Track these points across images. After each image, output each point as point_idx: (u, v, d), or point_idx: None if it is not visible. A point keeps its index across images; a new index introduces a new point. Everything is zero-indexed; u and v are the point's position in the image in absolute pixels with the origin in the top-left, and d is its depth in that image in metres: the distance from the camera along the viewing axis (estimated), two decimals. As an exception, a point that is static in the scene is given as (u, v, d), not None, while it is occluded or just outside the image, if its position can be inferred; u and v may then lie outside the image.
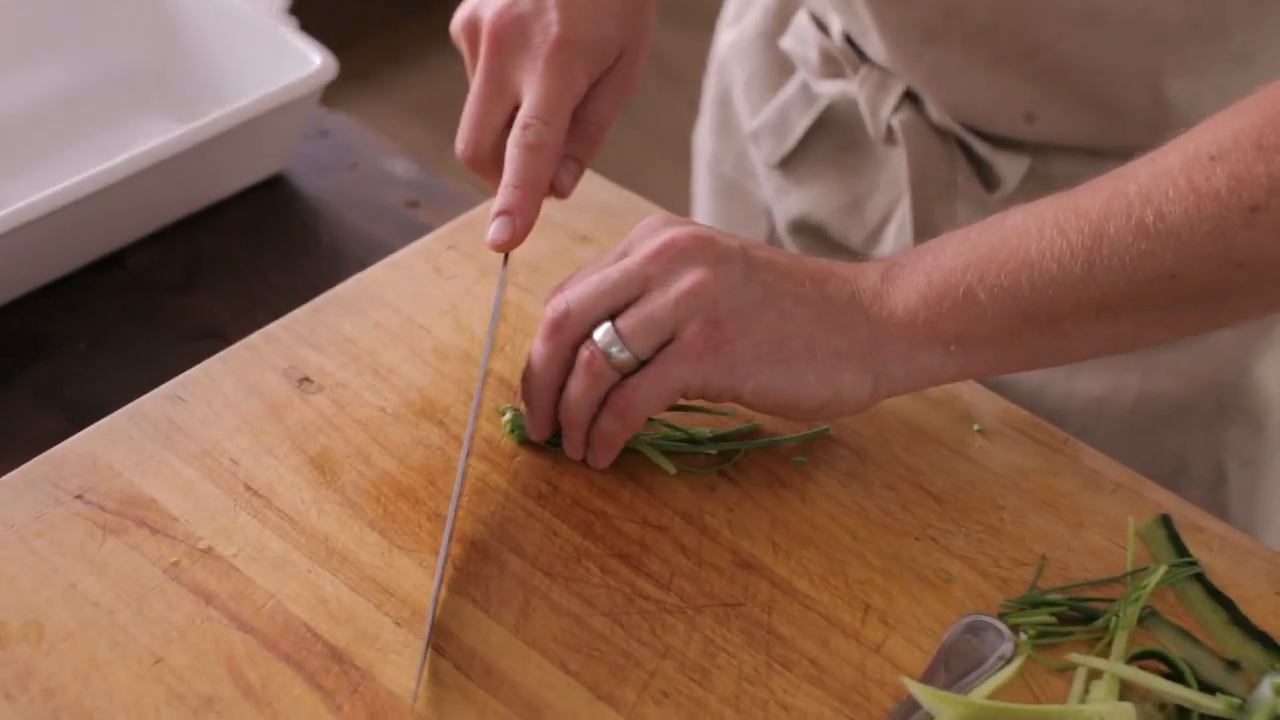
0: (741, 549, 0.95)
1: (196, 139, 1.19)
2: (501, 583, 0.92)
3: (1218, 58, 1.09)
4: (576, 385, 0.94)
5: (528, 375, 0.97)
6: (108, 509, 0.95)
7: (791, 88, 1.32)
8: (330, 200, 1.29)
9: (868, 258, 1.28)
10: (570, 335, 0.94)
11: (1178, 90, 1.10)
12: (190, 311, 1.19)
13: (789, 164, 1.35)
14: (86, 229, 1.19)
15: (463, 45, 1.06)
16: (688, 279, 0.92)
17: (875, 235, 1.30)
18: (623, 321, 0.92)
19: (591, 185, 1.19)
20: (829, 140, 1.32)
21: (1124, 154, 1.14)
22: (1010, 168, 1.19)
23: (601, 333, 0.93)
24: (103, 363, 1.15)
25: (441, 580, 0.91)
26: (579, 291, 0.94)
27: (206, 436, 0.99)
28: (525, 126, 0.99)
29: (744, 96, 1.38)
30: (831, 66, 1.26)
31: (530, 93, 0.99)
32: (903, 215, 1.26)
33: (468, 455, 0.97)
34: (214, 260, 1.24)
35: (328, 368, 1.04)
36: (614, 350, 0.92)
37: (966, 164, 1.21)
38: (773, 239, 1.41)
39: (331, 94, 1.29)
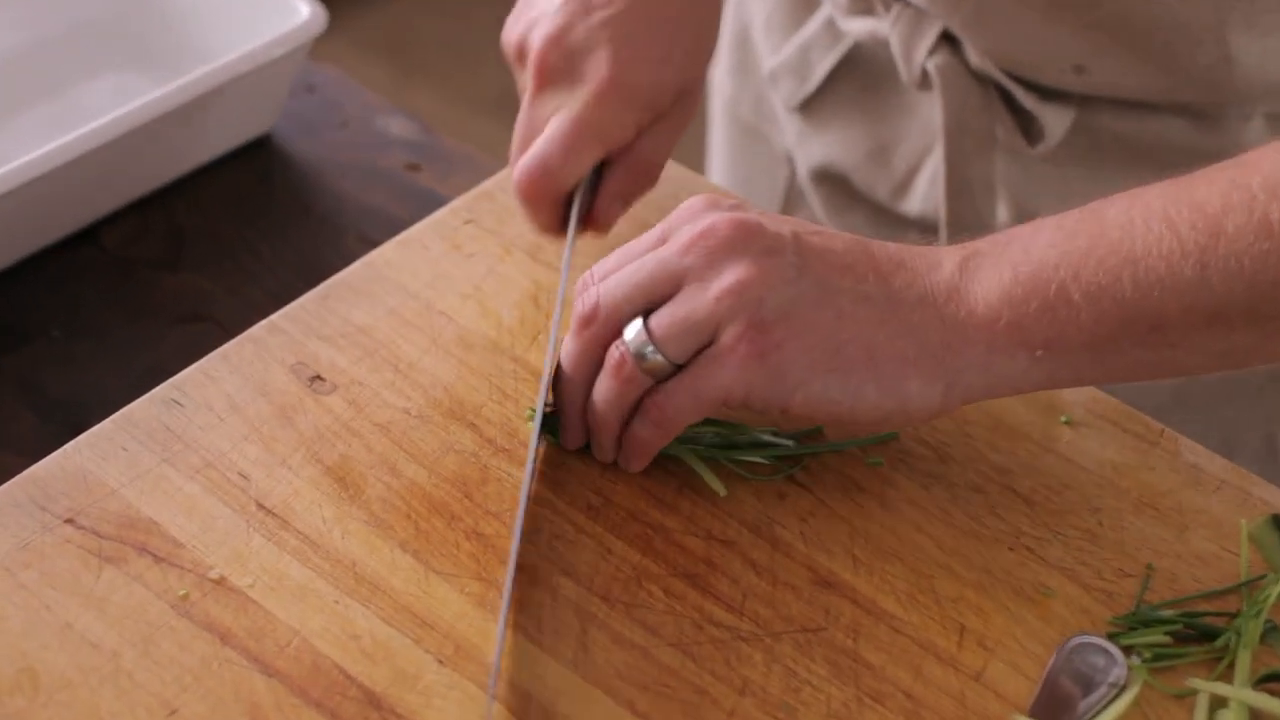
0: (819, 564, 0.86)
1: (177, 100, 1.09)
2: (555, 611, 0.82)
3: None
4: (604, 388, 0.85)
5: (559, 374, 0.87)
6: (103, 534, 0.84)
7: (815, 24, 1.22)
8: (321, 164, 1.18)
9: (895, 211, 1.20)
10: (600, 331, 0.85)
11: (1243, 47, 1.01)
12: (176, 292, 1.09)
13: (810, 107, 1.25)
14: (56, 203, 1.09)
15: (513, 63, 0.98)
16: (730, 274, 0.82)
17: (903, 187, 1.21)
18: (656, 321, 0.83)
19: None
20: (854, 83, 1.22)
21: (1179, 110, 1.06)
22: (1055, 119, 1.10)
23: (633, 332, 0.83)
24: (80, 352, 1.05)
25: (506, 624, 0.81)
26: (610, 283, 0.85)
27: (210, 446, 0.89)
28: (525, 169, 0.93)
29: (764, 34, 1.28)
30: (861, 3, 1.16)
31: (555, 123, 0.91)
32: (933, 167, 1.17)
33: (533, 475, 0.87)
34: (198, 233, 1.13)
35: (340, 363, 0.94)
36: (647, 352, 0.83)
37: (1007, 114, 1.12)
38: (793, 189, 1.32)
39: (315, 44, 1.18)
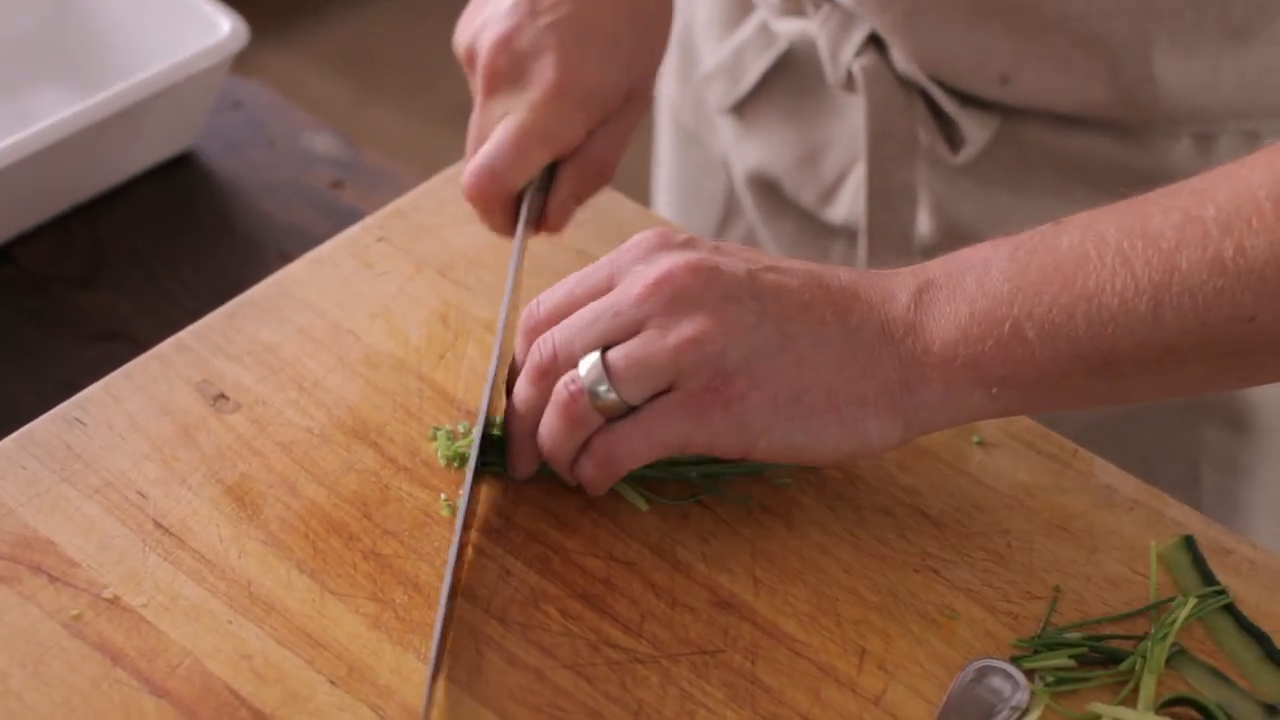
0: (719, 586, 0.84)
1: (96, 115, 1.09)
2: (449, 632, 0.81)
3: (1213, 33, 0.99)
4: (552, 426, 0.83)
5: (510, 416, 0.86)
6: (-2, 553, 0.83)
7: (749, 26, 1.22)
8: (245, 182, 1.17)
9: (820, 218, 1.19)
10: (557, 380, 0.83)
11: (1167, 67, 1.01)
12: (92, 310, 1.08)
13: (743, 110, 1.25)
14: (-29, 219, 1.07)
15: (464, 67, 0.98)
16: (689, 325, 0.80)
17: (830, 194, 1.20)
18: (614, 356, 0.81)
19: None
20: (786, 87, 1.22)
21: (1105, 127, 1.06)
22: (978, 128, 1.09)
23: (588, 366, 0.81)
24: (-5, 370, 1.03)
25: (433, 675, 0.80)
26: (565, 334, 0.83)
27: (110, 465, 0.88)
28: (474, 172, 0.93)
29: (704, 35, 1.28)
30: (792, 4, 1.15)
31: (503, 127, 0.90)
32: (860, 175, 1.16)
33: (470, 496, 0.85)
34: (118, 251, 1.12)
35: (245, 382, 0.92)
36: (600, 390, 0.81)
37: (930, 119, 1.11)
38: (731, 196, 1.31)
39: (269, 60, 1.17)
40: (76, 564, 0.83)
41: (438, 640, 0.79)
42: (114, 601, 0.82)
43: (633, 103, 0.97)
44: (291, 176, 1.18)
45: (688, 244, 0.84)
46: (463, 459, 0.89)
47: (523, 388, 0.84)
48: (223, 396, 0.92)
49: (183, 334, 0.95)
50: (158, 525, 0.85)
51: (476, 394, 0.93)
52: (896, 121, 1.11)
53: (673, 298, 0.81)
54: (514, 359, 0.87)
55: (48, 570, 0.83)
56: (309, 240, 1.11)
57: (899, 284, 0.83)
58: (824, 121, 1.20)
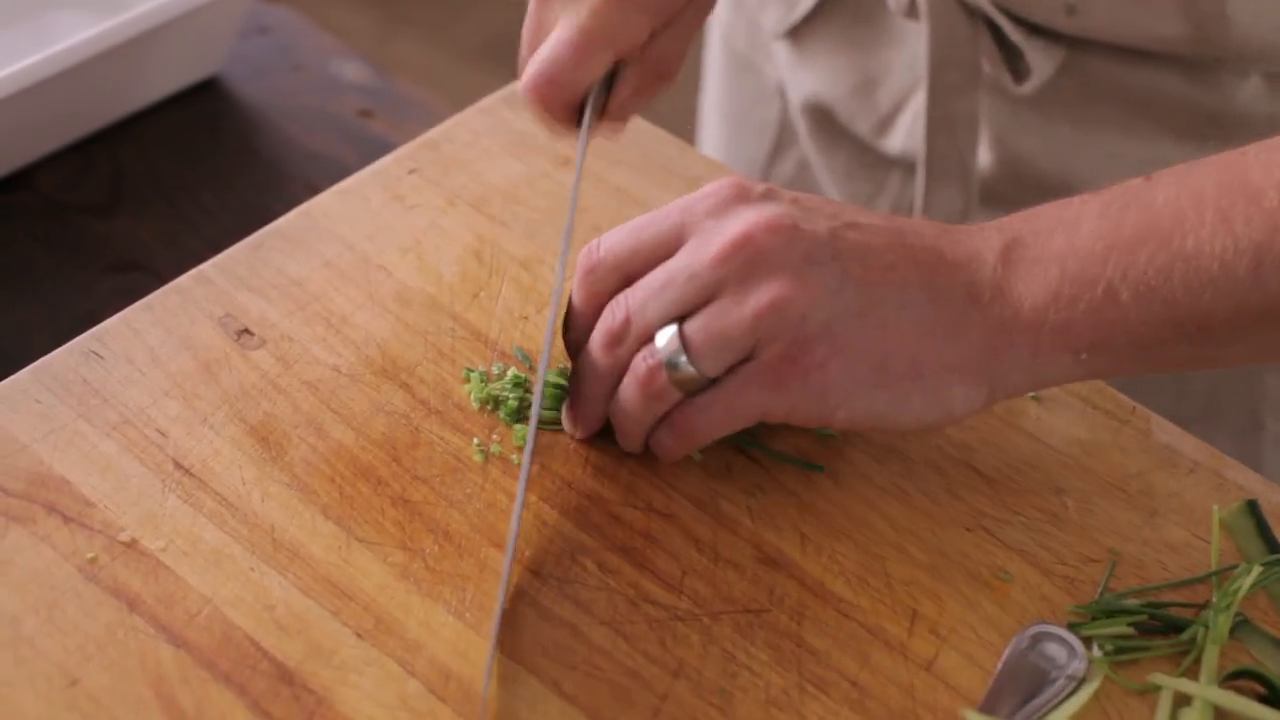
0: (765, 542, 0.81)
1: (118, 37, 1.05)
2: (480, 584, 0.78)
3: None
4: (631, 399, 0.80)
5: (578, 377, 0.83)
6: (11, 492, 0.80)
7: None
8: (271, 108, 1.14)
9: (876, 149, 1.15)
10: (631, 347, 0.80)
11: (1240, 5, 0.97)
12: (111, 239, 1.04)
13: (798, 35, 1.21)
14: (-12, 143, 1.04)
15: None
16: (768, 289, 0.77)
17: (886, 124, 1.17)
18: (691, 328, 0.78)
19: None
20: (843, 12, 1.18)
21: (1172, 62, 1.02)
22: (1043, 57, 1.05)
23: (665, 339, 0.78)
24: (8, 301, 1.01)
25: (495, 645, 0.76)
26: (638, 297, 0.79)
27: (128, 401, 0.84)
28: (536, 74, 0.87)
29: None
30: None
31: (564, 26, 0.85)
32: (918, 105, 1.12)
33: (532, 453, 0.82)
34: (138, 179, 1.09)
35: (271, 317, 0.89)
36: (680, 362, 0.78)
37: (994, 48, 1.07)
38: (785, 124, 1.27)
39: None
40: (92, 504, 0.80)
41: (499, 613, 0.76)
42: (131, 545, 0.78)
43: (696, 3, 0.93)
44: (318, 104, 1.14)
45: (766, 196, 0.80)
46: (496, 402, 0.85)
47: (593, 353, 0.81)
48: (247, 332, 0.88)
49: (205, 266, 0.91)
50: (177, 465, 0.82)
51: (511, 335, 0.89)
52: (960, 49, 1.07)
53: (750, 260, 0.77)
54: (570, 300, 0.83)
55: (62, 510, 0.79)
56: (336, 170, 1.07)
57: (984, 242, 0.79)
58: (882, 49, 1.16)
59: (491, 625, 0.76)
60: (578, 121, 0.90)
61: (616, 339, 0.79)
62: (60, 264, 1.02)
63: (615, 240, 0.81)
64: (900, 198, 1.18)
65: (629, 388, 0.79)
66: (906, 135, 1.15)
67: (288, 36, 1.19)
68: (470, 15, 2.79)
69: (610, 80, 0.91)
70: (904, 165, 1.16)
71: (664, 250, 0.80)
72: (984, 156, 1.11)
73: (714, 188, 0.81)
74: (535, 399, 0.82)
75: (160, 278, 0.98)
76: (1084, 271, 0.76)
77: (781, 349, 0.76)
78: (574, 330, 0.83)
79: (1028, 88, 1.06)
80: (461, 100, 1.13)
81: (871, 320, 0.77)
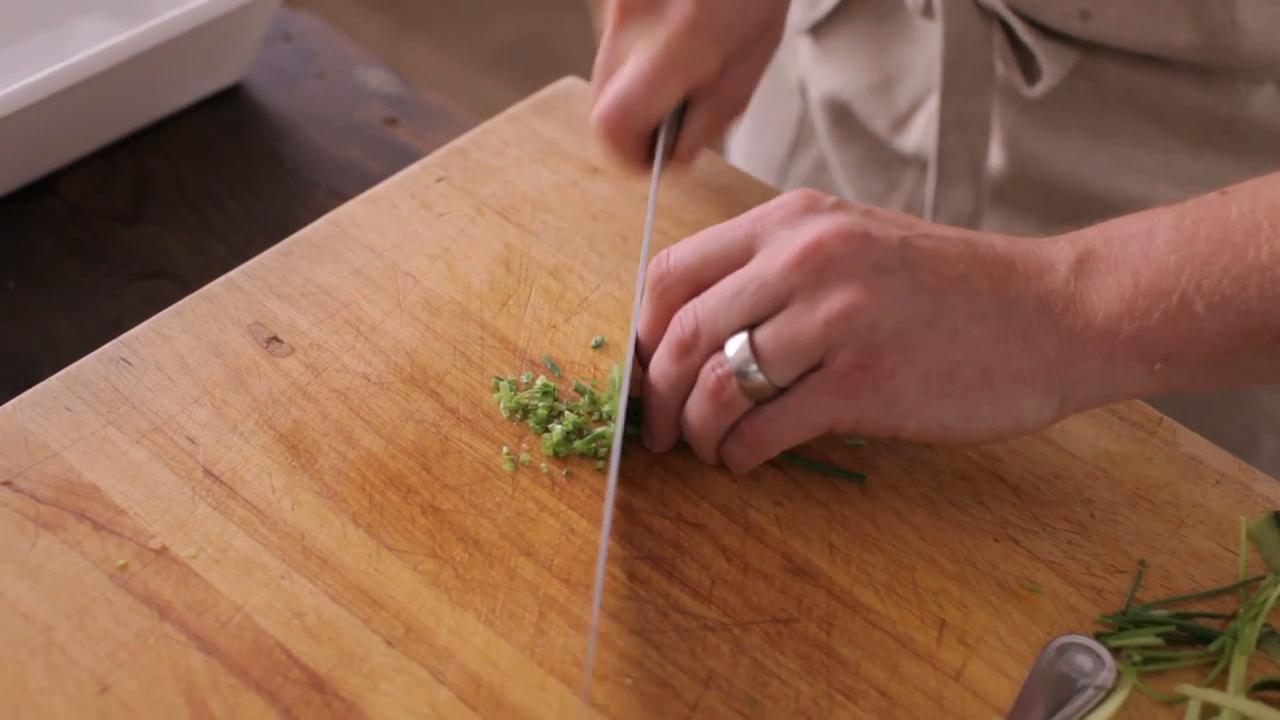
0: (793, 552, 0.81)
1: (143, 44, 1.04)
2: (511, 592, 0.78)
3: None
4: (699, 410, 0.80)
5: (650, 390, 0.83)
6: (41, 499, 0.80)
7: None
8: (296, 116, 1.13)
9: (892, 146, 1.16)
10: (701, 356, 0.80)
11: (1251, 12, 0.97)
12: (137, 246, 1.04)
13: (821, 32, 1.22)
14: (14, 149, 1.04)
15: None
16: (839, 296, 0.77)
17: (902, 122, 1.18)
18: (761, 336, 0.78)
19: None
20: (864, 11, 1.19)
21: (1186, 69, 1.02)
22: (1055, 62, 1.06)
23: (736, 348, 0.78)
24: (34, 307, 1.00)
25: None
26: (709, 306, 0.79)
27: (158, 408, 0.84)
28: (608, 106, 0.89)
29: None
30: None
31: (637, 59, 0.86)
32: (934, 105, 1.13)
33: (616, 475, 0.82)
34: (163, 186, 1.08)
35: (300, 324, 0.89)
36: (750, 370, 0.78)
37: (1008, 50, 1.08)
38: (804, 122, 1.28)
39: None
40: (123, 511, 0.80)
41: (597, 605, 0.77)
42: (162, 552, 0.78)
43: (768, 34, 0.94)
44: (343, 112, 1.14)
45: (837, 207, 0.80)
46: (525, 410, 0.85)
47: (663, 362, 0.81)
48: (276, 339, 0.88)
49: (234, 273, 0.91)
50: (207, 473, 0.82)
51: (540, 343, 0.89)
52: (973, 50, 1.08)
53: (821, 267, 0.77)
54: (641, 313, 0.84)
55: (93, 517, 0.79)
56: (361, 178, 1.07)
57: (1057, 254, 0.80)
58: (901, 48, 1.17)
59: (589, 619, 0.77)
60: (645, 158, 0.91)
61: (687, 348, 0.79)
62: (86, 271, 1.02)
63: (686, 250, 0.82)
64: (913, 196, 1.18)
65: (698, 397, 0.79)
66: (922, 134, 1.16)
67: (312, 43, 1.19)
68: (485, 23, 2.78)
69: (679, 118, 0.92)
70: (918, 164, 1.17)
71: (734, 260, 0.80)
72: (995, 157, 1.11)
73: (785, 198, 0.81)
74: (620, 415, 0.82)
75: (186, 285, 0.98)
76: (1158, 283, 0.76)
77: (852, 357, 0.76)
78: (644, 341, 0.84)
79: (1040, 90, 1.07)
80: (482, 108, 1.14)
81: (942, 329, 0.77)
